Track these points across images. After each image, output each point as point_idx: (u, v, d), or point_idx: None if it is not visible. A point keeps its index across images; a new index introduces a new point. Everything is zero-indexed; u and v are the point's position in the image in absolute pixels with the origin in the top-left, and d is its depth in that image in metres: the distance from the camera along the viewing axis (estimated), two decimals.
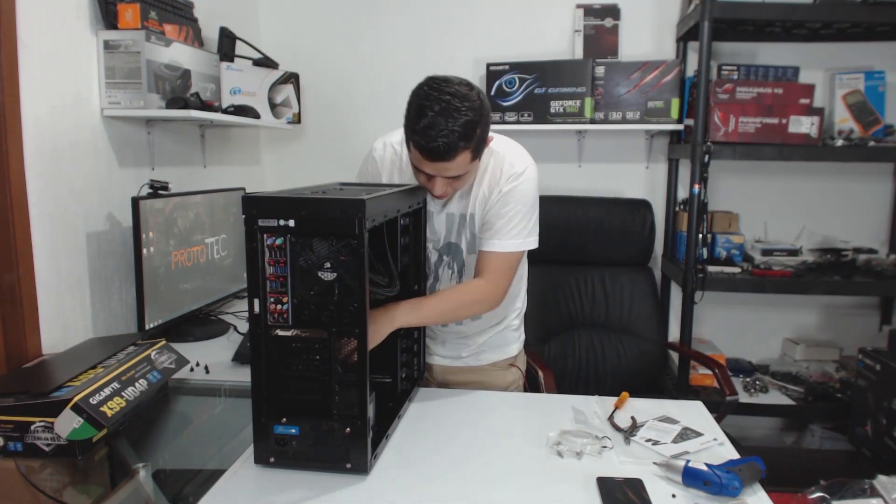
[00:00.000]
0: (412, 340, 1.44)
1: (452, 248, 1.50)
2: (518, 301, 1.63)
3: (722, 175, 2.64)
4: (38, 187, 1.53)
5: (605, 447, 1.18)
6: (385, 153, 1.51)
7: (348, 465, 1.06)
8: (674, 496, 1.01)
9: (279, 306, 1.06)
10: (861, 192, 2.66)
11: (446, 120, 1.19)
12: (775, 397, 2.47)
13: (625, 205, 2.51)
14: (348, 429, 1.05)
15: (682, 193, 2.67)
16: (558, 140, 2.74)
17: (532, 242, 1.45)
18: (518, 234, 1.41)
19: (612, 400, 1.39)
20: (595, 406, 1.37)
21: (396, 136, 1.49)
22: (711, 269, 2.38)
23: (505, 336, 1.62)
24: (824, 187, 2.66)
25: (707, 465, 1.05)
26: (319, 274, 1.04)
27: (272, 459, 1.08)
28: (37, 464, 1.15)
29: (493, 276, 1.41)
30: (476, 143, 1.25)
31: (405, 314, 1.30)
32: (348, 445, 1.06)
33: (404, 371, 1.39)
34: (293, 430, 1.07)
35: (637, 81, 2.47)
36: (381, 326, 1.24)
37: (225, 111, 2.13)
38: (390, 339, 1.31)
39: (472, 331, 1.57)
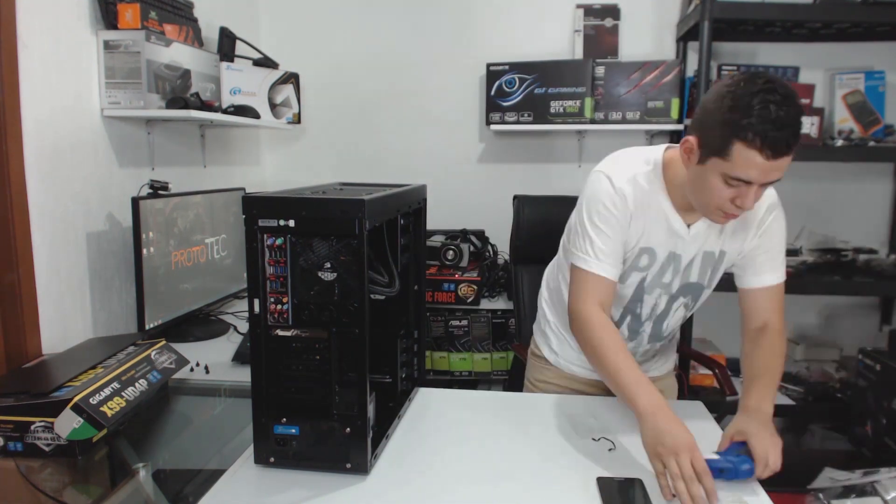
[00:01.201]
0: (412, 340, 1.44)
1: (693, 288, 1.37)
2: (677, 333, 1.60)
3: None
4: (38, 187, 1.53)
5: (610, 449, 1.18)
6: (635, 189, 1.26)
7: (348, 465, 1.06)
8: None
9: (279, 306, 1.06)
10: (861, 192, 2.66)
11: (790, 109, 1.05)
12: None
13: None
14: (348, 429, 1.05)
15: None
16: (558, 140, 2.74)
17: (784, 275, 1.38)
18: (783, 264, 1.37)
19: (610, 400, 1.38)
20: (595, 406, 1.37)
21: (632, 168, 1.27)
22: None
23: (672, 347, 1.59)
24: (824, 187, 2.66)
25: (715, 453, 1.05)
26: (319, 274, 1.04)
27: (272, 459, 1.08)
28: (37, 464, 1.15)
29: (779, 314, 1.38)
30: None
31: (769, 405, 1.21)
32: (348, 445, 1.06)
33: (404, 371, 1.39)
34: (293, 430, 1.07)
35: (637, 81, 2.47)
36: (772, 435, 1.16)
37: (225, 111, 2.13)
38: (390, 339, 1.31)
39: (661, 348, 1.51)
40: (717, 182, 1.12)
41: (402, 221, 1.31)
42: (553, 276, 1.55)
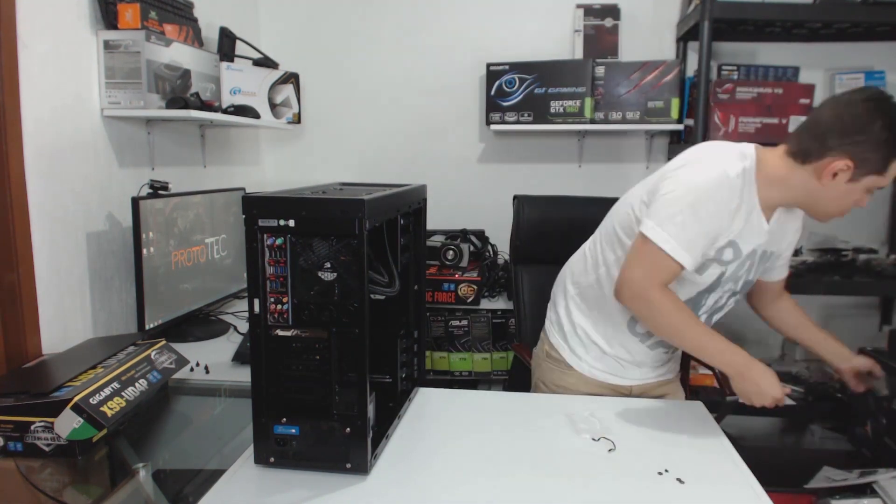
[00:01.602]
0: (412, 340, 1.44)
1: (749, 285, 1.45)
2: None
3: None
4: (38, 187, 1.53)
5: (610, 450, 1.18)
6: (743, 183, 1.27)
7: (348, 465, 1.06)
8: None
9: (279, 306, 1.06)
10: None
11: None
12: None
13: None
14: (348, 429, 1.05)
15: None
16: (558, 140, 2.74)
17: None
18: None
19: (607, 400, 1.38)
20: (595, 406, 1.37)
21: (739, 162, 1.27)
22: None
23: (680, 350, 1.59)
24: None
25: None
26: (319, 274, 1.03)
27: (272, 459, 1.08)
28: (37, 464, 1.15)
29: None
30: None
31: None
32: (348, 445, 1.06)
33: (404, 371, 1.39)
34: (293, 430, 1.07)
35: (637, 81, 2.47)
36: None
37: (225, 111, 2.13)
38: (390, 339, 1.31)
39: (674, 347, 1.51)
40: (863, 194, 1.23)
41: (402, 221, 1.31)
42: (586, 271, 1.49)
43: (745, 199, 1.26)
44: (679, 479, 1.07)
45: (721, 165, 1.25)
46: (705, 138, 2.28)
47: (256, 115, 2.27)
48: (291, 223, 1.02)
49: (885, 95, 1.19)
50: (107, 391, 1.21)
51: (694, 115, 2.35)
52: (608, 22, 2.60)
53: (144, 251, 1.68)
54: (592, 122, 2.51)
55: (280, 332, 1.06)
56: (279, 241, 1.04)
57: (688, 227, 1.22)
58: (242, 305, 2.23)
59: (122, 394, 1.24)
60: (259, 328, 1.06)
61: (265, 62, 2.42)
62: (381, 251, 1.26)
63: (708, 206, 1.23)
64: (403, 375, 1.37)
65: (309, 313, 1.05)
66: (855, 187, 1.21)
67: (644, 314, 1.28)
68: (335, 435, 1.06)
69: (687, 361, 2.38)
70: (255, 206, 1.03)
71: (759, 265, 1.39)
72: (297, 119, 2.58)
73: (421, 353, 1.50)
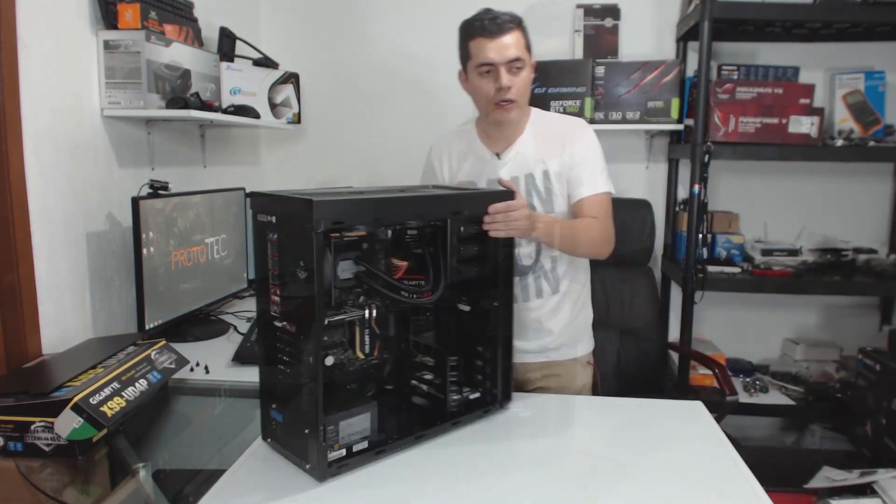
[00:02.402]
0: (480, 358, 1.32)
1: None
2: (585, 293, 1.70)
3: (722, 175, 2.64)
4: (38, 187, 1.53)
5: (609, 450, 1.18)
6: (441, 148, 1.70)
7: (307, 466, 1.07)
8: None
9: (277, 298, 1.09)
10: (861, 192, 2.66)
11: (493, 13, 1.48)
12: (775, 397, 2.47)
13: (625, 205, 2.50)
14: (307, 429, 1.05)
15: (682, 193, 2.67)
16: None
17: (612, 186, 1.58)
18: (603, 176, 1.56)
19: (607, 400, 1.38)
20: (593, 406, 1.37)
21: (448, 133, 1.71)
22: (711, 269, 2.38)
23: (579, 330, 1.68)
24: (824, 187, 2.66)
25: None
26: (297, 272, 1.04)
27: (269, 439, 1.17)
28: (37, 464, 1.15)
29: (606, 219, 1.53)
30: (524, 33, 1.50)
31: (542, 225, 1.39)
32: (307, 447, 1.06)
33: (458, 391, 1.29)
34: (279, 417, 1.13)
35: (637, 81, 2.47)
36: (532, 222, 1.33)
37: (225, 111, 2.13)
38: (473, 350, 1.29)
39: (545, 315, 1.60)
40: (481, 79, 1.55)
41: (461, 228, 1.24)
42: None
43: None
44: (679, 479, 1.07)
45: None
46: (705, 138, 2.28)
47: (256, 115, 2.27)
48: (273, 219, 1.08)
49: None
50: (107, 391, 1.21)
51: (694, 115, 2.35)
52: (608, 22, 2.60)
53: (144, 251, 1.68)
54: (592, 121, 2.50)
55: (275, 322, 1.10)
56: (275, 237, 1.08)
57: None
58: (242, 305, 2.23)
59: (122, 394, 1.24)
60: (263, 319, 1.12)
61: (265, 62, 2.42)
62: (434, 257, 1.24)
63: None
64: (455, 398, 1.28)
65: (292, 309, 1.07)
66: (473, 56, 1.50)
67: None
68: (300, 431, 1.07)
69: (686, 362, 2.39)
70: (253, 201, 1.12)
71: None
72: (297, 119, 2.58)
73: (498, 376, 1.32)
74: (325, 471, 1.06)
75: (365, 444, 1.13)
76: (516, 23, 1.48)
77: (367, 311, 1.19)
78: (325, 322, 1.11)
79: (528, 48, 1.51)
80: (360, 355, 1.22)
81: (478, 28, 1.47)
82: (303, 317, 1.05)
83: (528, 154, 1.57)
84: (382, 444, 1.15)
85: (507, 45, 1.46)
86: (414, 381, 1.32)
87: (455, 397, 1.28)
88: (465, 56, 1.54)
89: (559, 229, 1.45)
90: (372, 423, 1.14)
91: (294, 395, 1.09)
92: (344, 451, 1.10)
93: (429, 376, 1.31)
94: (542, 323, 1.59)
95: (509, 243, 1.33)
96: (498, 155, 1.59)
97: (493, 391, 1.32)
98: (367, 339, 1.22)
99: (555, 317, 1.60)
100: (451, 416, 1.26)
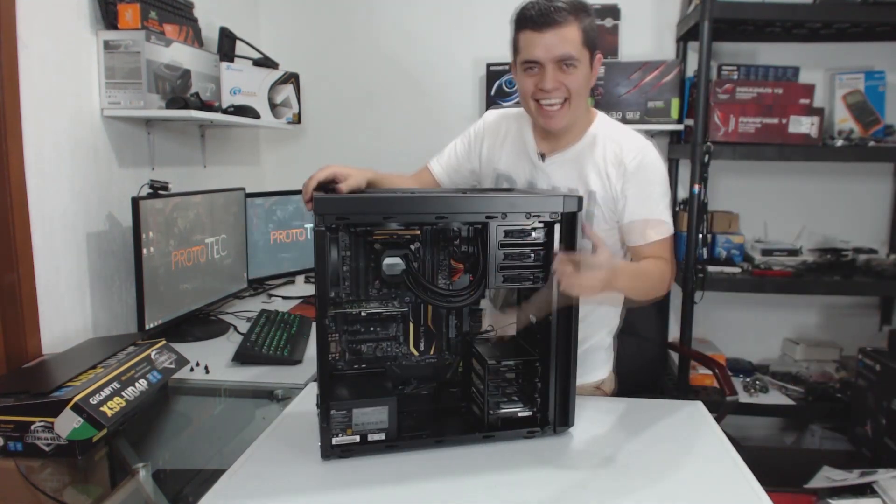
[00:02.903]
0: (534, 371, 1.21)
1: None
2: (613, 317, 1.51)
3: (722, 175, 2.64)
4: (38, 187, 1.53)
5: (609, 450, 1.18)
6: (493, 123, 1.51)
7: (319, 444, 1.10)
8: None
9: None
10: (861, 192, 2.66)
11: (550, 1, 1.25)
12: (775, 397, 2.47)
13: None
14: (318, 409, 1.09)
15: (682, 193, 2.67)
16: None
17: (671, 227, 1.36)
18: (667, 215, 1.34)
19: (606, 400, 1.38)
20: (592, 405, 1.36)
21: (512, 111, 1.48)
22: (711, 269, 2.38)
23: (592, 357, 1.48)
24: (824, 187, 2.66)
25: None
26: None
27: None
28: (37, 464, 1.15)
29: (671, 261, 1.34)
30: (585, 26, 1.26)
31: (621, 277, 1.20)
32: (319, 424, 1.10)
33: (497, 402, 1.20)
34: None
35: (637, 81, 2.47)
36: (610, 280, 1.14)
37: (225, 111, 2.13)
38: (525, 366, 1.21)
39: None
40: (523, 76, 1.34)
41: (499, 231, 1.15)
42: None
43: None
44: (679, 479, 1.07)
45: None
46: (705, 138, 2.28)
47: (256, 115, 2.27)
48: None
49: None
50: (107, 391, 1.21)
51: (694, 115, 2.35)
52: (608, 22, 2.60)
53: (144, 251, 1.68)
54: None
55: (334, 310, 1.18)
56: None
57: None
58: (242, 305, 2.23)
59: (122, 394, 1.24)
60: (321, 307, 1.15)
61: (265, 62, 2.42)
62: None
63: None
64: (493, 411, 1.20)
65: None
66: (518, 73, 1.32)
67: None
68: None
69: (686, 362, 2.39)
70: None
71: None
72: (297, 119, 2.58)
73: (550, 396, 1.20)
74: (328, 450, 1.09)
75: (382, 436, 1.13)
76: (574, 12, 1.24)
77: (421, 309, 1.23)
78: (363, 314, 1.18)
79: (588, 43, 1.27)
80: (415, 352, 1.26)
81: (526, 18, 1.26)
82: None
83: (576, 165, 1.37)
84: (399, 439, 1.15)
85: (556, 41, 1.24)
86: (472, 389, 1.28)
87: (500, 411, 1.19)
88: (514, 47, 1.32)
89: (632, 281, 1.27)
90: (390, 417, 1.13)
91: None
92: (357, 438, 1.11)
93: (482, 386, 1.22)
94: None
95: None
96: (543, 156, 1.40)
97: (545, 412, 1.20)
98: (422, 336, 1.25)
99: None
100: (488, 428, 1.19)
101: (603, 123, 1.39)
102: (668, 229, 1.34)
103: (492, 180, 1.48)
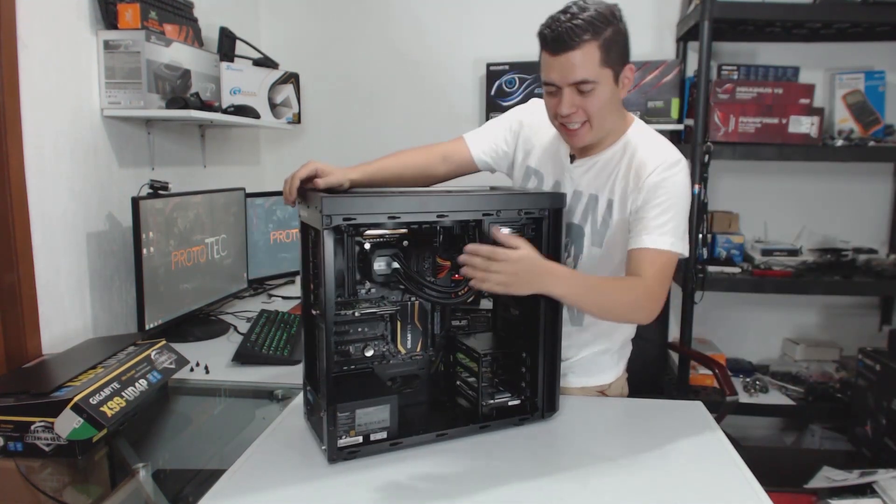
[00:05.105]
0: (522, 363, 1.27)
1: (573, 230, 1.38)
2: (626, 325, 1.47)
3: (722, 175, 2.64)
4: (38, 187, 1.53)
5: (609, 450, 1.18)
6: (533, 115, 1.49)
7: (323, 447, 1.11)
8: None
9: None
10: (861, 192, 2.66)
11: (570, 15, 1.19)
12: (775, 397, 2.47)
13: None
14: (323, 412, 1.09)
15: None
16: None
17: (684, 248, 1.26)
18: (671, 233, 1.24)
19: (606, 400, 1.38)
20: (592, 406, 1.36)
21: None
22: (711, 269, 2.38)
23: (600, 360, 1.46)
24: (824, 187, 2.66)
25: None
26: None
27: (307, 418, 1.25)
28: (37, 464, 1.15)
29: (653, 281, 1.22)
30: (606, 43, 1.19)
31: (559, 283, 1.14)
32: (322, 427, 1.10)
33: (488, 394, 1.23)
34: (311, 398, 1.21)
35: (637, 81, 2.47)
36: (532, 279, 1.12)
37: (225, 111, 2.13)
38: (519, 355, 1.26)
39: (566, 342, 1.36)
40: (548, 97, 1.33)
41: (490, 226, 1.18)
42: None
43: None
44: (679, 479, 1.07)
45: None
46: (705, 138, 2.28)
47: (256, 115, 2.27)
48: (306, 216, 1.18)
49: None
50: (107, 391, 1.21)
51: (694, 115, 2.35)
52: None
53: (144, 251, 1.68)
54: None
55: (311, 311, 1.20)
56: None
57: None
58: (242, 305, 2.23)
59: (122, 394, 1.24)
60: (305, 312, 1.22)
61: (265, 62, 2.42)
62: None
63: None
64: (486, 402, 1.23)
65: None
66: (542, 70, 1.28)
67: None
68: (319, 412, 1.12)
69: (686, 362, 2.39)
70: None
71: None
72: (297, 119, 2.58)
73: (539, 383, 1.25)
74: (335, 454, 1.09)
75: (384, 435, 1.14)
76: (593, 29, 1.17)
77: (408, 307, 1.25)
78: (357, 314, 1.18)
79: (610, 61, 1.21)
80: (402, 350, 1.28)
81: (544, 38, 1.23)
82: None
83: (601, 173, 1.34)
84: (401, 436, 1.15)
85: (570, 66, 1.19)
86: (459, 382, 1.31)
87: (492, 401, 1.23)
88: (539, 64, 1.29)
89: (582, 290, 1.19)
90: (391, 415, 1.14)
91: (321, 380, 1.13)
92: (360, 438, 1.11)
93: (471, 378, 1.26)
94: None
95: (557, 247, 1.22)
96: (573, 158, 1.38)
97: (533, 399, 1.25)
98: (408, 334, 1.27)
99: (571, 348, 1.43)
100: (483, 419, 1.22)
101: (637, 132, 1.35)
102: (667, 245, 1.23)
103: (522, 174, 1.47)
